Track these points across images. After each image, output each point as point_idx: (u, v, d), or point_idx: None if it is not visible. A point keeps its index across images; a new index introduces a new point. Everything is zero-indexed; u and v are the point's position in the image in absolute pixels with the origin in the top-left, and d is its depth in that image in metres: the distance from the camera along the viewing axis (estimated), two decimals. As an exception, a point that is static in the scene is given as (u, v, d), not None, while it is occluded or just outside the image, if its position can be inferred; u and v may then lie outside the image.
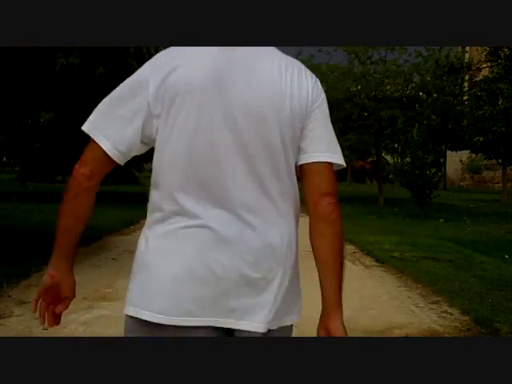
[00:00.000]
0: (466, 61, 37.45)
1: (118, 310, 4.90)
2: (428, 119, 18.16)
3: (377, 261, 7.91)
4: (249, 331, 1.44)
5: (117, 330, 4.28)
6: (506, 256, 8.22)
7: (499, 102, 23.10)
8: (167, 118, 1.39)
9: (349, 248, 9.30)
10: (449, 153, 39.07)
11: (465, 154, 41.24)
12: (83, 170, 1.46)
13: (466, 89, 36.65)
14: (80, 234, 1.50)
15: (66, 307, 1.54)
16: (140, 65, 1.42)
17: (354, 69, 21.00)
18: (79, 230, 1.49)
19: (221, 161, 1.39)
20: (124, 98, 1.43)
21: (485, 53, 27.42)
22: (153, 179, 1.46)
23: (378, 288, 6.11)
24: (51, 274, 1.50)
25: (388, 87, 21.15)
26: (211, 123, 1.38)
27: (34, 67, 6.86)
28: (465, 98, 35.49)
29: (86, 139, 1.40)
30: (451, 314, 5.00)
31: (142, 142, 1.45)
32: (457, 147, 35.75)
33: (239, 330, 1.45)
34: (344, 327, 1.59)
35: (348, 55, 20.84)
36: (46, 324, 1.53)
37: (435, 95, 24.13)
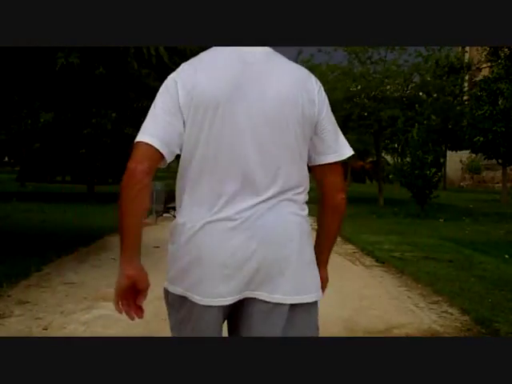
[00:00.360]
0: (466, 61, 37.43)
1: (118, 310, 4.91)
2: (428, 119, 18.10)
3: (377, 261, 7.90)
4: (279, 303, 1.60)
5: (117, 330, 4.28)
6: (506, 256, 8.20)
7: (499, 102, 23.06)
8: (192, 126, 1.59)
9: (349, 248, 9.29)
10: (449, 153, 39.04)
11: (465, 154, 41.21)
12: (141, 167, 1.54)
13: (466, 89, 36.62)
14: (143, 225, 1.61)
15: (145, 297, 1.64)
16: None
17: (354, 69, 20.95)
18: (142, 225, 1.60)
19: (248, 163, 1.59)
20: (166, 108, 1.60)
21: (485, 53, 27.39)
22: (182, 182, 1.66)
23: (378, 288, 6.10)
24: (127, 274, 1.57)
25: (388, 87, 21.10)
26: (233, 131, 1.58)
27: (34, 67, 6.85)
28: (465, 98, 35.45)
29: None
30: (451, 314, 4.99)
31: (179, 146, 1.62)
32: (457, 147, 35.73)
33: (273, 304, 1.60)
34: (327, 276, 1.88)
35: (348, 55, 20.79)
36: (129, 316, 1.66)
37: (435, 95, 24.11)
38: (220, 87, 1.58)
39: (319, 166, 1.72)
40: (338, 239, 9.93)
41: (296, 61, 20.29)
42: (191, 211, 1.61)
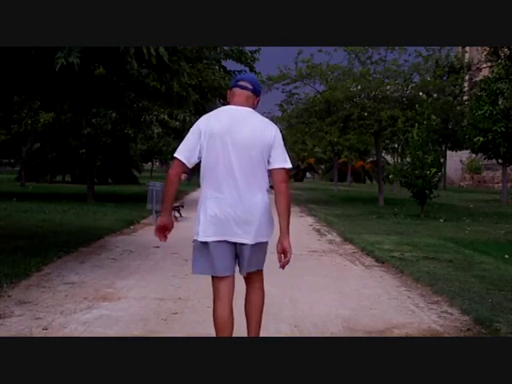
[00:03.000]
0: (466, 61, 37.42)
1: (118, 309, 4.90)
2: (428, 119, 18.01)
3: (377, 261, 7.89)
4: (246, 243, 3.17)
5: (117, 330, 4.28)
6: (506, 256, 8.19)
7: (499, 102, 23.04)
8: (206, 148, 3.17)
9: (349, 248, 9.29)
10: (449, 153, 39.05)
11: (465, 154, 41.22)
12: (173, 172, 3.24)
13: (465, 89, 36.61)
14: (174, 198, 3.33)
15: (170, 231, 3.33)
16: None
17: (354, 69, 20.93)
18: (174, 198, 3.31)
19: (232, 166, 3.15)
20: (191, 139, 3.23)
21: (485, 53, 27.38)
22: (201, 176, 3.25)
23: (378, 288, 6.09)
24: (162, 220, 3.29)
25: (388, 87, 21.05)
26: (226, 150, 3.16)
27: (34, 67, 6.84)
28: (465, 98, 35.43)
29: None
30: (451, 314, 4.99)
31: (198, 158, 3.21)
32: (457, 147, 35.73)
33: (245, 244, 3.18)
34: (290, 244, 3.18)
35: (348, 55, 20.76)
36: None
37: (435, 95, 24.10)
38: (220, 128, 3.16)
39: (272, 169, 3.22)
40: (338, 239, 9.89)
41: (296, 61, 20.31)
42: (205, 189, 3.24)
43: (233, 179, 3.13)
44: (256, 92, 3.30)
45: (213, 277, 3.22)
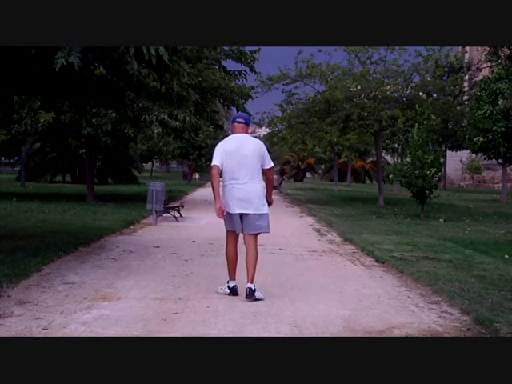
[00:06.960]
0: (466, 61, 37.39)
1: (118, 309, 4.90)
2: (428, 119, 17.94)
3: (377, 261, 7.88)
4: (250, 213, 5.42)
5: (117, 330, 4.27)
6: (506, 256, 8.18)
7: (499, 102, 23.00)
8: (225, 159, 5.44)
9: (349, 248, 9.29)
10: (449, 153, 39.02)
11: (465, 154, 41.20)
12: (214, 172, 5.38)
13: (465, 89, 36.59)
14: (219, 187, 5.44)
15: (224, 211, 5.32)
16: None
17: (354, 69, 20.88)
18: (219, 187, 5.37)
19: (242, 168, 5.45)
20: (218, 154, 5.47)
21: (485, 53, 27.36)
22: (224, 173, 5.47)
23: (378, 288, 6.09)
24: (218, 203, 5.31)
25: (388, 87, 20.98)
26: (237, 160, 5.45)
27: (34, 67, 6.84)
28: (465, 98, 35.41)
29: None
30: (451, 314, 4.99)
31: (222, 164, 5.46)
32: (457, 147, 35.70)
33: (248, 214, 5.42)
34: (272, 199, 5.84)
35: (348, 55, 20.71)
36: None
37: (435, 95, 24.04)
38: (231, 148, 5.46)
39: (264, 169, 5.58)
40: (338, 239, 9.96)
41: (296, 61, 20.30)
42: (226, 181, 5.50)
43: (241, 176, 5.38)
44: (247, 124, 5.69)
45: (227, 231, 5.54)
